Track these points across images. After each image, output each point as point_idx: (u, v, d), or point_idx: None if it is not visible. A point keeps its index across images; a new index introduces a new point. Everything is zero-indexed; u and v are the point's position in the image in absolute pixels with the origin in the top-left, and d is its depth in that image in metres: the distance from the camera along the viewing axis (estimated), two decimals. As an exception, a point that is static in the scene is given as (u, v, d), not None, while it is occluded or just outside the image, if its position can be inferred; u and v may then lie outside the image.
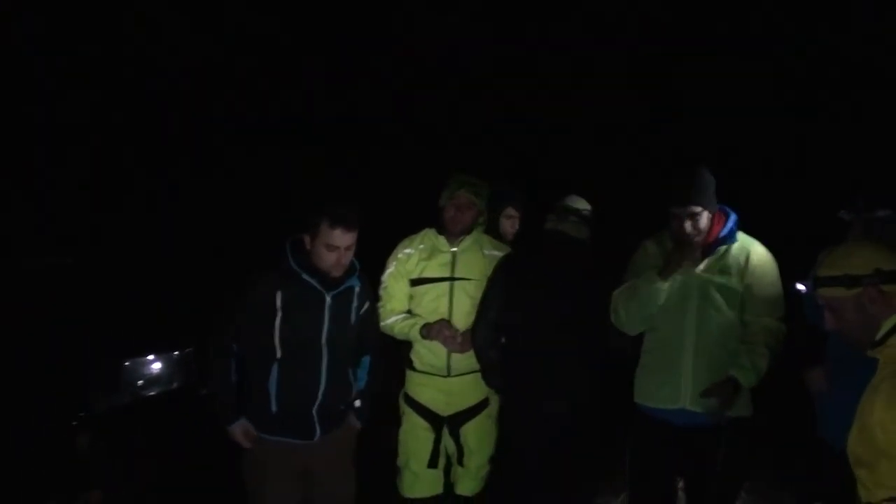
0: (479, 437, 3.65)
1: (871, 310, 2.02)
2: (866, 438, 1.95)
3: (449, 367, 3.54)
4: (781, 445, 4.37)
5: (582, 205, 3.65)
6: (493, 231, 3.97)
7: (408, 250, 3.60)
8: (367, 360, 3.38)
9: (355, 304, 3.24)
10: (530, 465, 3.48)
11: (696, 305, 3.17)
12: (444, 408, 3.60)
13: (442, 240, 3.58)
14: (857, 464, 2.02)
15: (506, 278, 3.51)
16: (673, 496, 3.45)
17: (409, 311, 3.60)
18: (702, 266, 3.20)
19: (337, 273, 3.10)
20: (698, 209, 3.15)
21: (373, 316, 3.42)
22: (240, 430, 3.12)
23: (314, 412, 3.13)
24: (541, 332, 3.41)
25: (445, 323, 3.48)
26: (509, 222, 4.04)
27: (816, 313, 2.27)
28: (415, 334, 3.50)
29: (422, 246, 3.60)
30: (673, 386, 3.19)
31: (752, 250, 3.23)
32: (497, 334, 3.51)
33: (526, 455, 3.50)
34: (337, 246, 3.03)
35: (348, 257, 3.10)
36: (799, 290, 2.71)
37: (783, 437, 4.20)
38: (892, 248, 2.08)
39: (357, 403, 3.32)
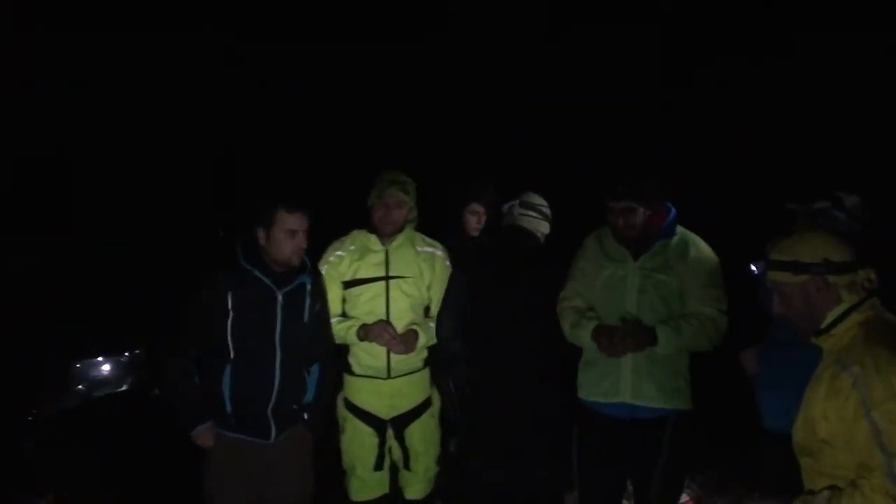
0: (424, 438, 3.61)
1: (816, 299, 2.05)
2: (810, 428, 2.00)
3: (389, 368, 3.47)
4: (729, 435, 4.38)
5: (539, 201, 3.77)
6: (457, 226, 4.02)
7: (338, 252, 3.53)
8: (316, 369, 3.35)
9: (308, 302, 3.24)
10: (491, 457, 3.53)
11: (635, 301, 3.20)
12: (386, 411, 3.52)
13: (373, 239, 3.51)
14: (801, 452, 2.08)
15: (468, 271, 3.57)
16: (621, 489, 3.47)
17: (343, 315, 3.54)
18: (640, 262, 3.23)
19: (297, 261, 3.13)
20: (632, 205, 3.17)
21: (325, 316, 3.40)
22: (208, 433, 3.11)
23: (269, 412, 3.14)
24: (501, 325, 3.47)
25: (385, 324, 3.42)
26: (474, 218, 4.03)
27: (768, 296, 2.28)
28: (352, 337, 3.44)
29: (352, 247, 3.53)
30: (613, 380, 3.22)
31: (691, 245, 3.26)
32: (461, 325, 3.55)
33: (487, 446, 3.54)
34: (297, 230, 3.07)
35: (305, 242, 3.13)
36: (752, 271, 2.73)
37: (732, 426, 4.22)
38: (844, 240, 2.10)
39: (305, 416, 3.30)
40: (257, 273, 3.08)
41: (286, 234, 3.06)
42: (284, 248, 3.08)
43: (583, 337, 3.24)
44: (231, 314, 3.06)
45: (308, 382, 3.31)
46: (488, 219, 4.01)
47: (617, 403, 3.22)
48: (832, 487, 1.95)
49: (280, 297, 3.12)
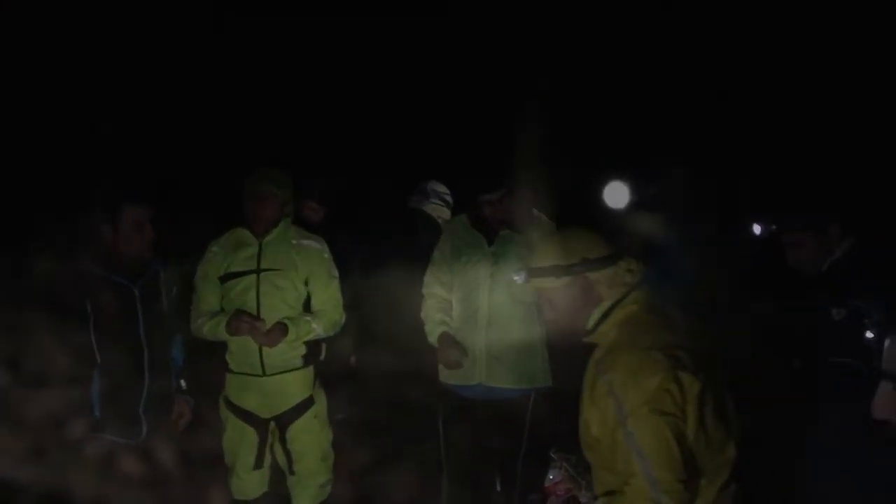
0: (305, 438, 3.53)
1: (580, 299, 1.99)
2: (585, 425, 1.98)
3: (263, 364, 3.43)
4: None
5: (442, 189, 4.35)
6: (300, 221, 4.20)
7: (214, 249, 3.54)
8: (178, 337, 3.37)
9: (164, 291, 3.24)
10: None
11: (487, 286, 3.39)
12: (264, 410, 3.47)
13: (247, 233, 3.51)
14: (584, 447, 2.04)
15: (368, 249, 4.00)
16: (489, 469, 3.60)
17: (221, 310, 3.50)
18: (493, 247, 3.46)
19: (149, 251, 3.11)
20: (512, 191, 3.44)
21: (179, 298, 3.41)
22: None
23: (140, 412, 3.09)
24: (395, 300, 3.74)
25: (243, 314, 3.38)
26: (313, 214, 4.29)
27: None
28: (222, 332, 3.41)
29: (227, 242, 3.54)
30: (468, 364, 3.39)
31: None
32: (359, 297, 3.84)
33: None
34: (144, 221, 3.06)
35: (153, 232, 3.11)
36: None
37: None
38: (600, 235, 2.06)
39: (182, 384, 3.31)
40: (109, 274, 3.04)
41: (134, 227, 3.04)
42: (137, 242, 3.06)
43: (429, 334, 3.49)
44: (91, 318, 3.01)
45: (174, 353, 3.33)
46: (327, 211, 4.33)
47: (474, 386, 3.40)
48: (609, 493, 1.91)
49: (137, 292, 3.09)
